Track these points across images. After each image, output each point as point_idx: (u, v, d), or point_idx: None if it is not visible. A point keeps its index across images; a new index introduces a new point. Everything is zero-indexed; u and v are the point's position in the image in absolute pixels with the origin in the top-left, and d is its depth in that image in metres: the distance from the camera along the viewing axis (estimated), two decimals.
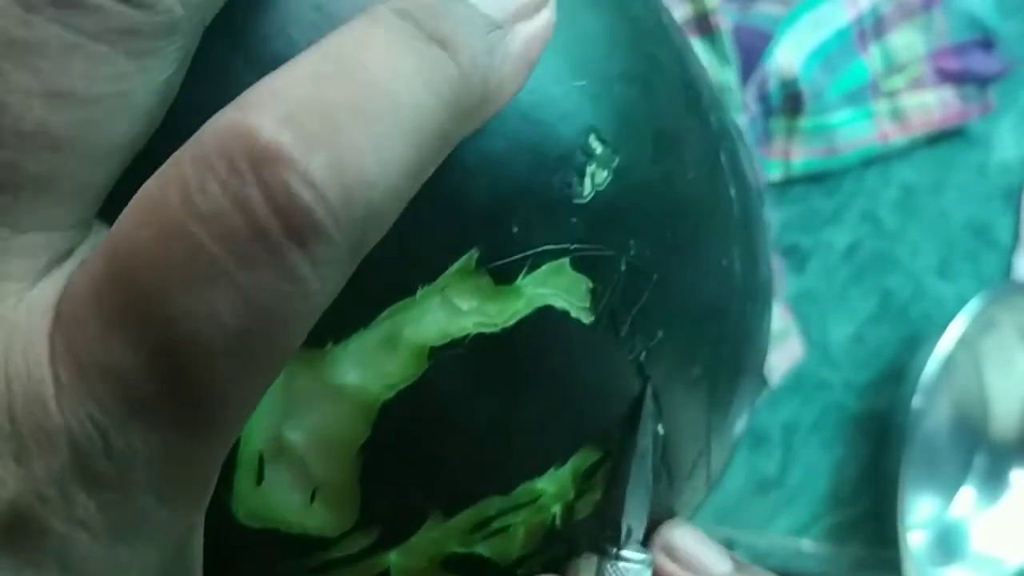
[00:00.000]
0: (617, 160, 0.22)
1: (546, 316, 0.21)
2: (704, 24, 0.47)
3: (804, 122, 0.52)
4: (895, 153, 0.57)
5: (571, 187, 0.21)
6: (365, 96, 0.16)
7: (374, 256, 0.17)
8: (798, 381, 0.57)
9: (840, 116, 0.53)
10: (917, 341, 0.59)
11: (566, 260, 0.21)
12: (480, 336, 0.20)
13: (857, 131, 0.54)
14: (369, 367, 0.20)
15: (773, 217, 0.53)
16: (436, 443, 0.21)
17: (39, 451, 0.15)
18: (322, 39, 0.17)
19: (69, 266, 0.17)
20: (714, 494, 0.52)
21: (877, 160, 0.57)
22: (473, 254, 0.20)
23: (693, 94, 0.25)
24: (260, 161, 0.15)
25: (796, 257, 0.56)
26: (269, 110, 0.15)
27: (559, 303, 0.21)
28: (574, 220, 0.21)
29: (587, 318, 0.21)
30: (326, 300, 0.16)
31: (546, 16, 0.19)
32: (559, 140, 0.21)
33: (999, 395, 0.65)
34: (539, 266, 0.21)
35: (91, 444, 0.15)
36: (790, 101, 0.51)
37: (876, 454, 0.60)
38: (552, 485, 0.23)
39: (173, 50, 0.17)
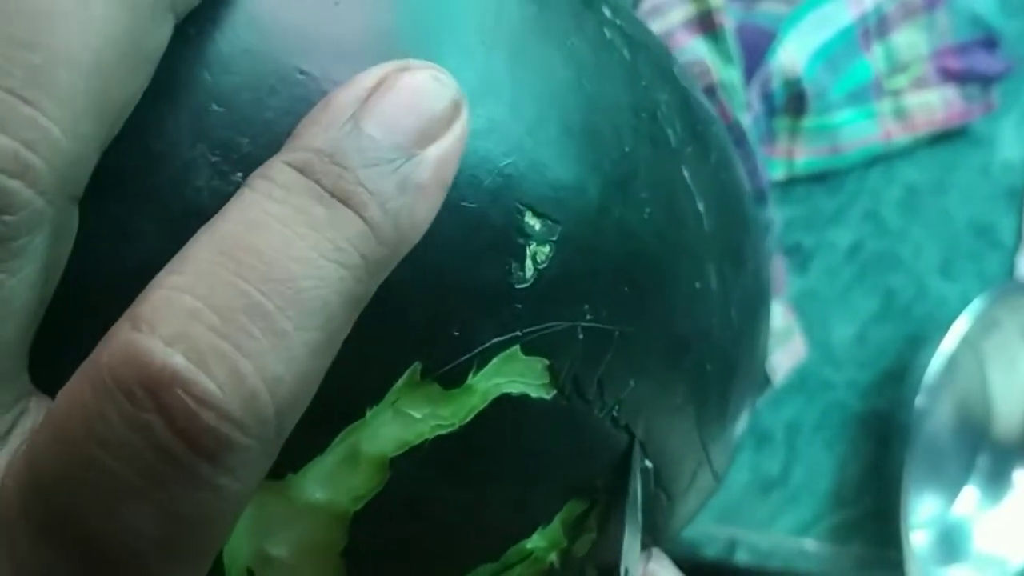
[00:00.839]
0: (559, 230, 0.20)
1: (504, 403, 0.21)
2: (707, 22, 0.47)
3: (807, 121, 0.52)
4: (898, 153, 0.57)
5: (511, 274, 0.20)
6: (261, 291, 0.15)
7: (319, 389, 0.17)
8: (801, 381, 0.57)
9: (843, 115, 0.53)
10: (920, 341, 0.59)
11: (516, 347, 0.20)
12: (438, 437, 0.20)
13: (860, 130, 0.54)
14: (334, 485, 0.20)
15: (776, 216, 0.53)
16: (414, 536, 0.21)
17: None
18: (213, 219, 0.16)
19: (3, 456, 0.16)
20: (717, 493, 0.52)
21: (880, 160, 0.57)
22: (416, 367, 0.20)
23: (645, 115, 0.23)
24: (155, 387, 0.15)
25: (799, 257, 0.56)
26: (160, 328, 0.15)
27: (515, 389, 0.21)
28: (519, 307, 0.20)
29: (548, 393, 0.21)
30: (252, 488, 0.16)
31: (459, 129, 0.18)
32: (490, 228, 0.19)
33: (1002, 395, 0.65)
34: (489, 360, 0.20)
35: None
36: (794, 100, 0.51)
37: (879, 454, 0.60)
38: (543, 540, 0.23)
39: (42, 239, 0.16)
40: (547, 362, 0.21)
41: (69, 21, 0.15)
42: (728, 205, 0.26)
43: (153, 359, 0.15)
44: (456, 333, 0.20)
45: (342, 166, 0.16)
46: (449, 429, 0.20)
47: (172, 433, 0.15)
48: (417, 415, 0.20)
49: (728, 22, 0.48)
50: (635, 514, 0.24)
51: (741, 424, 0.29)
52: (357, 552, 0.21)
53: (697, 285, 0.24)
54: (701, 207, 0.24)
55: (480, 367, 0.20)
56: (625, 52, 0.24)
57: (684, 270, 0.23)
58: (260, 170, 0.16)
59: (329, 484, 0.20)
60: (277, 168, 0.16)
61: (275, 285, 0.15)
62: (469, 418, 0.20)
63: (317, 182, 0.16)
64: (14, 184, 0.15)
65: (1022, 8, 0.61)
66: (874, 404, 0.60)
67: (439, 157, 0.17)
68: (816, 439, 0.59)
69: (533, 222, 0.20)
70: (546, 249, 0.20)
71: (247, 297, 0.15)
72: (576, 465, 0.23)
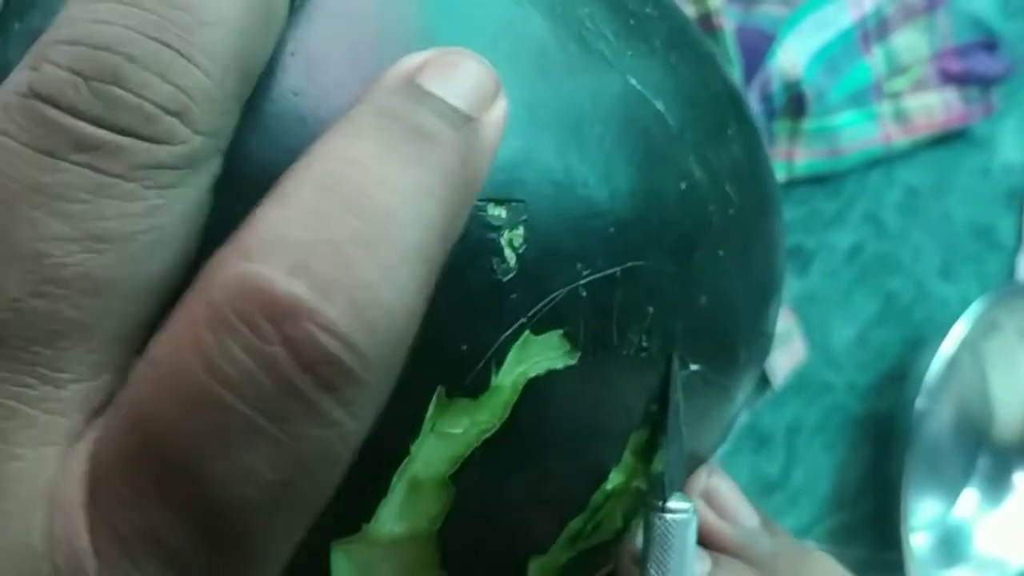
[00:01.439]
0: (525, 207, 0.20)
1: (534, 385, 0.21)
2: (707, 25, 0.47)
3: (807, 124, 0.52)
4: (898, 155, 0.57)
5: (494, 270, 0.20)
6: (370, 224, 0.16)
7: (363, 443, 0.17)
8: (801, 383, 0.57)
9: (843, 118, 0.53)
10: (920, 343, 0.59)
11: (526, 333, 0.21)
12: (486, 441, 0.21)
13: (860, 133, 0.54)
14: (408, 516, 0.21)
15: None
16: (497, 527, 0.22)
17: None
18: (308, 155, 0.17)
19: (106, 419, 0.16)
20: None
21: (880, 162, 0.57)
22: (439, 391, 0.20)
23: (573, 44, 0.23)
24: (280, 317, 0.15)
25: (799, 259, 0.56)
26: (278, 259, 0.15)
27: (540, 369, 0.21)
28: (514, 296, 0.20)
29: (572, 358, 0.21)
30: (363, 433, 0.16)
31: (503, 105, 0.19)
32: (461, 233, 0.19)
33: (1002, 397, 0.65)
34: (504, 356, 0.20)
35: None
36: (793, 103, 0.51)
37: (879, 456, 0.60)
38: (620, 476, 0.24)
39: (197, 177, 0.17)
40: (560, 331, 0.21)
41: None
42: (691, 86, 0.25)
43: (276, 288, 0.15)
44: (464, 347, 0.20)
45: (415, 109, 0.17)
46: (493, 429, 0.21)
47: (299, 366, 0.15)
48: (458, 430, 0.21)
49: (727, 24, 0.48)
50: (677, 426, 0.24)
51: (774, 305, 0.28)
52: (453, 557, 0.21)
53: (683, 185, 0.23)
54: (660, 106, 0.23)
55: (499, 365, 0.20)
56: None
57: (662, 180, 0.23)
58: (343, 117, 0.17)
59: (403, 517, 0.21)
60: (359, 112, 0.17)
61: (380, 218, 0.16)
62: (507, 413, 0.21)
63: (398, 120, 0.17)
64: (175, 120, 0.16)
65: (1022, 10, 0.62)
66: (874, 406, 0.60)
67: (492, 123, 0.18)
68: (816, 441, 0.59)
69: (497, 212, 0.20)
70: (519, 231, 0.20)
71: (355, 230, 0.15)
72: (623, 405, 0.23)
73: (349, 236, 0.15)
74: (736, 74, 0.49)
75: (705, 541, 0.29)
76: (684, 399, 0.24)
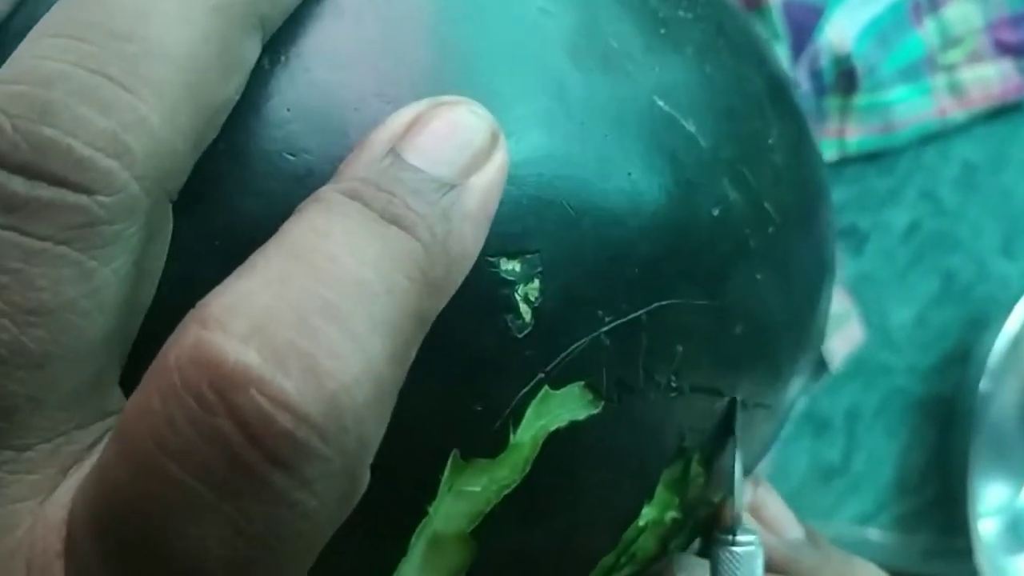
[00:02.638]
0: (540, 257, 0.19)
1: (556, 438, 0.20)
2: (753, 1, 0.46)
3: (859, 100, 0.51)
4: (954, 129, 0.56)
5: (509, 328, 0.19)
6: (336, 292, 0.15)
7: (373, 508, 0.17)
8: (859, 366, 0.56)
9: (896, 93, 0.52)
10: (982, 322, 0.58)
11: (544, 388, 0.19)
12: (507, 496, 0.20)
13: (914, 107, 0.53)
14: (430, 571, 0.20)
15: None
16: (527, 571, 0.22)
17: None
18: (277, 233, 0.16)
19: (87, 467, 0.16)
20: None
21: (935, 137, 0.55)
22: (455, 454, 0.19)
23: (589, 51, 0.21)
24: (228, 388, 0.14)
25: (854, 239, 0.55)
26: (233, 326, 0.14)
27: (561, 423, 0.20)
28: (530, 353, 0.19)
29: (596, 407, 0.20)
30: (335, 511, 0.15)
31: (499, 159, 0.17)
32: (471, 298, 0.18)
33: None
34: (522, 414, 0.19)
35: None
36: (844, 78, 0.50)
37: (943, 440, 0.59)
38: (653, 511, 0.23)
39: (136, 231, 0.16)
40: (582, 383, 0.20)
41: (165, 18, 0.16)
42: (727, 96, 0.23)
43: (225, 357, 0.14)
44: (479, 408, 0.19)
45: (389, 192, 0.16)
46: (514, 485, 0.20)
47: (245, 439, 0.14)
48: (477, 488, 0.20)
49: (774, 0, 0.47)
50: (738, 462, 0.24)
51: (823, 308, 0.27)
52: None
53: (715, 212, 0.21)
54: (691, 126, 0.21)
55: (516, 423, 0.19)
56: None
57: (693, 210, 0.21)
58: (311, 197, 0.16)
59: (425, 572, 0.20)
60: (328, 193, 0.16)
61: (349, 288, 0.15)
62: (528, 468, 0.20)
63: (367, 205, 0.16)
64: (112, 163, 0.15)
65: None
66: (936, 389, 0.59)
67: (483, 187, 0.17)
68: (877, 425, 0.57)
69: (510, 266, 0.19)
70: (535, 284, 0.19)
71: (322, 298, 0.15)
72: (653, 445, 0.22)
73: (314, 302, 0.15)
74: (784, 51, 0.48)
75: None
76: (716, 427, 0.23)
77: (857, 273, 0.55)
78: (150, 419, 0.14)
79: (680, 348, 0.21)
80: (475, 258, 0.17)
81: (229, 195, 0.18)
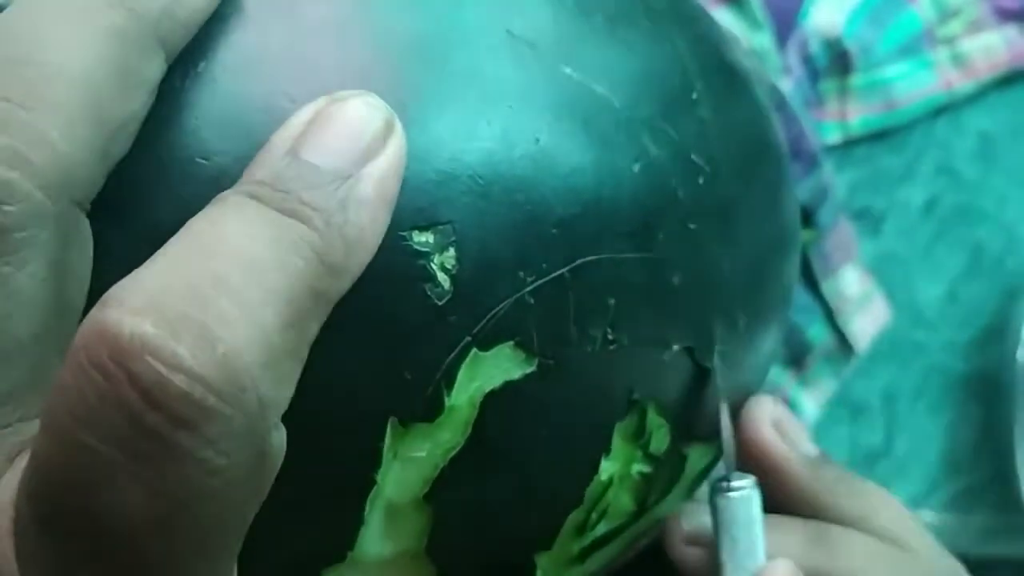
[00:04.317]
0: (452, 227, 0.20)
1: (493, 397, 0.21)
2: None
3: (856, 80, 0.51)
4: (963, 100, 0.55)
5: (428, 296, 0.20)
6: (226, 265, 0.16)
7: (320, 482, 0.18)
8: (891, 346, 0.55)
9: (896, 69, 0.52)
10: (1017, 293, 0.57)
11: (473, 351, 0.20)
12: (453, 458, 0.21)
13: (917, 82, 0.52)
14: (392, 538, 0.21)
15: (837, 181, 0.52)
16: (489, 532, 0.22)
17: None
18: (185, 225, 0.17)
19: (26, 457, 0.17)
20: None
21: (945, 110, 0.55)
22: (392, 421, 0.20)
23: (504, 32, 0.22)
24: (126, 358, 0.15)
25: (869, 220, 0.54)
26: (130, 302, 0.15)
27: (496, 382, 0.21)
28: (453, 318, 0.20)
29: (530, 365, 0.21)
30: (250, 470, 0.16)
31: (393, 146, 0.18)
32: (387, 271, 0.19)
33: None
34: (454, 377, 0.20)
35: None
36: (838, 60, 0.50)
37: (991, 416, 0.57)
38: (614, 464, 0.24)
39: (48, 237, 0.17)
40: (511, 343, 0.21)
41: (60, 44, 0.17)
42: (642, 59, 0.23)
43: (122, 329, 0.15)
44: (409, 375, 0.20)
45: (284, 191, 0.17)
46: (459, 447, 0.21)
47: (146, 404, 0.15)
48: (422, 453, 0.21)
49: None
50: (725, 416, 0.25)
51: (784, 255, 0.27)
52: (449, 566, 0.22)
53: (635, 168, 0.22)
54: (602, 89, 0.22)
55: (449, 386, 0.20)
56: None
57: (609, 167, 0.22)
58: (213, 199, 0.18)
59: (387, 538, 0.21)
60: (227, 194, 0.18)
61: (241, 264, 0.16)
62: (470, 429, 0.21)
63: (264, 204, 0.17)
64: (13, 175, 0.17)
65: None
66: (977, 364, 0.57)
67: (377, 176, 0.18)
68: (918, 406, 0.57)
69: (423, 238, 0.20)
70: (450, 253, 0.20)
71: (213, 273, 0.16)
72: (601, 399, 0.23)
73: (205, 276, 0.16)
74: (767, 39, 0.48)
75: (777, 469, 0.30)
76: (674, 377, 0.24)
77: (877, 253, 0.55)
78: (65, 395, 0.15)
79: (612, 301, 0.22)
80: (378, 240, 0.18)
81: (150, 201, 0.19)
